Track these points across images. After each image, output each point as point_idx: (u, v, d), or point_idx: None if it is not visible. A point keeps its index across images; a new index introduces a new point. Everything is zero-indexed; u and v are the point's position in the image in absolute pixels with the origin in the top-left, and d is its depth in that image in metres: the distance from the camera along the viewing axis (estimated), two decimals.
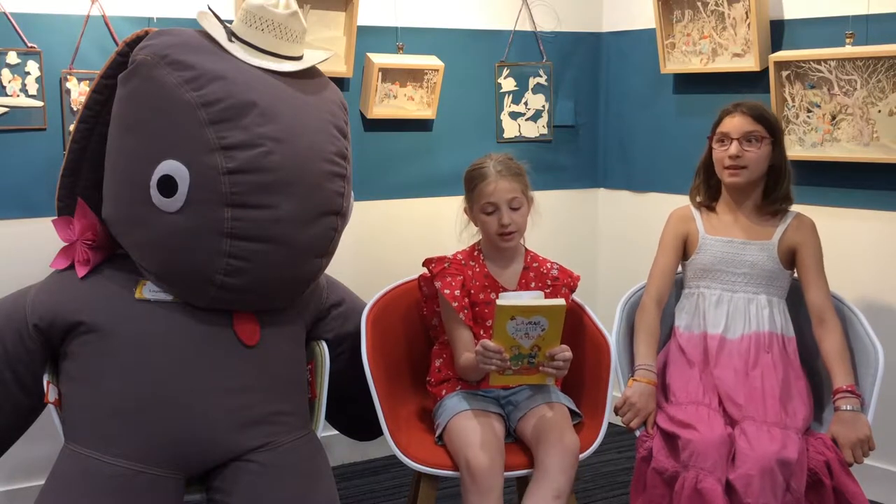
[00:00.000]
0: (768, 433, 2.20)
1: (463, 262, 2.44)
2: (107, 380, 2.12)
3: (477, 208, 2.40)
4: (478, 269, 2.43)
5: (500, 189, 2.36)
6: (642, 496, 2.26)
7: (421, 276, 2.51)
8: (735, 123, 2.42)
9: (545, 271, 2.48)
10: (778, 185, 2.45)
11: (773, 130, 2.43)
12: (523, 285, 2.44)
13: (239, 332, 2.21)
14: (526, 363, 2.20)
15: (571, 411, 2.40)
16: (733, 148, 2.41)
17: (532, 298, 2.25)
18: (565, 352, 2.22)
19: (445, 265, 2.40)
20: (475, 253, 2.47)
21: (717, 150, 2.46)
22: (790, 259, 2.46)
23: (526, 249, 2.51)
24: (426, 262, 2.44)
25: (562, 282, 2.46)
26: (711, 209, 2.54)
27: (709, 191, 2.54)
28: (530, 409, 2.35)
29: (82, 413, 2.13)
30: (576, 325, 2.51)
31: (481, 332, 2.36)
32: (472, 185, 2.41)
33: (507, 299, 2.18)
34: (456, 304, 2.35)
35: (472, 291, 2.40)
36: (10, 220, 2.75)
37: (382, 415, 2.30)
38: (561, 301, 2.20)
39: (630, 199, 3.70)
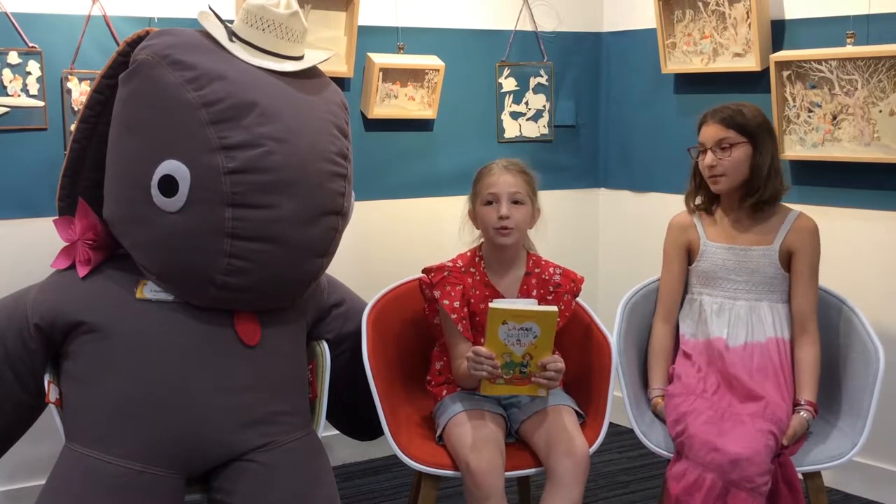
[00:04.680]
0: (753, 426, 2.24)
1: (463, 269, 2.41)
2: (108, 379, 2.12)
3: (479, 202, 2.39)
4: (478, 278, 2.41)
5: (503, 181, 2.36)
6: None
7: (422, 278, 2.50)
8: (708, 133, 2.44)
9: (547, 277, 2.44)
10: (758, 188, 2.42)
11: (748, 133, 2.40)
12: (524, 292, 2.42)
13: (240, 331, 2.20)
14: (518, 372, 2.20)
15: (574, 411, 2.40)
16: (707, 158, 2.43)
17: (525, 304, 2.26)
18: (557, 362, 2.22)
19: (445, 274, 2.38)
20: (476, 259, 2.45)
21: (699, 161, 2.47)
22: (790, 262, 2.46)
23: (528, 253, 2.49)
24: (426, 271, 2.41)
25: (564, 288, 2.42)
26: (710, 213, 2.53)
27: (707, 195, 2.53)
28: (535, 412, 2.34)
29: (83, 413, 2.13)
30: (577, 326, 2.51)
31: (481, 341, 2.34)
32: (477, 179, 2.42)
33: (499, 303, 2.19)
34: (455, 315, 2.33)
35: (472, 301, 2.38)
36: (10, 220, 2.75)
37: (383, 414, 2.30)
38: (553, 308, 2.19)
39: (631, 199, 3.70)
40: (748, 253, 2.45)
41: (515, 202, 2.36)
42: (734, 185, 2.43)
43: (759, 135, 2.42)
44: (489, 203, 2.37)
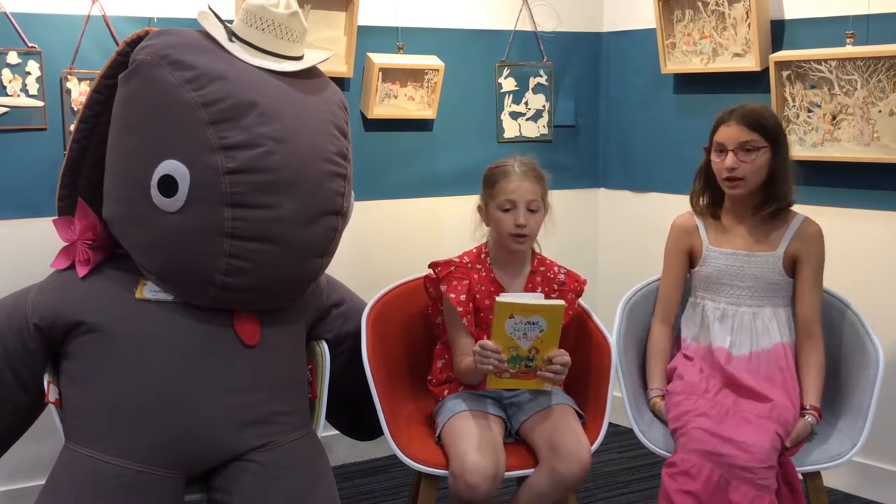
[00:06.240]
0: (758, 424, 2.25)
1: (469, 265, 2.42)
2: (107, 380, 2.12)
3: (494, 205, 2.38)
4: (484, 274, 2.41)
5: (522, 189, 2.35)
6: None
7: (427, 276, 2.49)
8: (730, 133, 2.36)
9: (552, 276, 2.46)
10: (778, 197, 2.39)
11: (771, 136, 2.36)
12: (529, 290, 2.42)
13: (239, 331, 2.21)
14: (523, 366, 2.20)
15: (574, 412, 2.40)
16: (729, 160, 2.35)
17: (532, 298, 2.25)
18: (563, 356, 2.21)
19: (452, 268, 2.39)
20: (482, 256, 2.45)
21: (715, 161, 2.41)
22: (794, 268, 2.44)
23: (534, 252, 2.49)
24: (432, 265, 2.42)
25: (569, 287, 2.44)
26: (716, 216, 2.49)
27: (712, 196, 2.49)
28: (535, 412, 2.34)
29: (83, 413, 2.13)
30: (577, 326, 2.51)
31: (485, 337, 2.34)
32: (492, 181, 2.39)
33: (507, 297, 2.19)
34: (461, 308, 2.33)
35: (478, 297, 2.38)
36: (10, 220, 2.75)
37: (383, 414, 2.30)
38: (560, 302, 2.20)
39: (630, 199, 3.70)
40: (751, 259, 2.43)
41: (532, 210, 2.36)
42: (751, 190, 2.39)
43: (778, 138, 2.37)
44: (505, 210, 2.36)
